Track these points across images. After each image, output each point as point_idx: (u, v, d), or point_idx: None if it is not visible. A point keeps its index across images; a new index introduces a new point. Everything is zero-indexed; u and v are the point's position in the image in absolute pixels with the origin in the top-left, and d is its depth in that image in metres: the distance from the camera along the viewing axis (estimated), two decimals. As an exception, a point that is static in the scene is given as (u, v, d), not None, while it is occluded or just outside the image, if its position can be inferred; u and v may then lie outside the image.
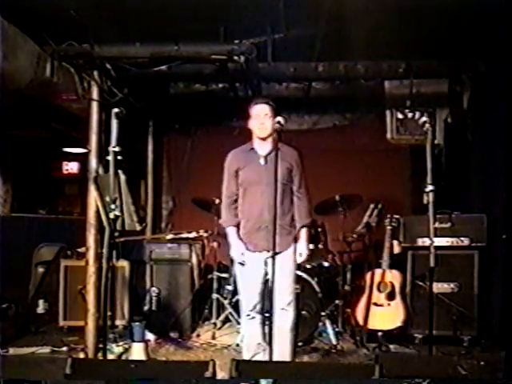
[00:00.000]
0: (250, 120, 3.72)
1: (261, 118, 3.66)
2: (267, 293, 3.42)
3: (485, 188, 5.19)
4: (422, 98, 5.35)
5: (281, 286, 3.58)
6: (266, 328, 3.73)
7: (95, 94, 4.71)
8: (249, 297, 3.70)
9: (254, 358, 3.65)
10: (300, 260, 3.74)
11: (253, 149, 3.73)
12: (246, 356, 3.74)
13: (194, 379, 2.57)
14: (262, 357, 3.66)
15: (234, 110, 6.60)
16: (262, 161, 3.66)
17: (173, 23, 4.31)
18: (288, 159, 3.69)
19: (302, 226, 3.76)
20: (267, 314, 3.40)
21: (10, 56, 3.83)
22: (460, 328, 4.72)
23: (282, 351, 3.61)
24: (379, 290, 4.84)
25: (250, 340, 3.75)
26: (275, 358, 3.48)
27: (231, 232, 3.78)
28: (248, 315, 3.72)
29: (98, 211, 3.85)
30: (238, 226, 3.78)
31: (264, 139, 3.68)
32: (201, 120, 6.73)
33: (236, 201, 3.79)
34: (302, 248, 3.74)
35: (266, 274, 3.56)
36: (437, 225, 4.35)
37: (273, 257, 3.22)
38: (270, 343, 3.24)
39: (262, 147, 3.69)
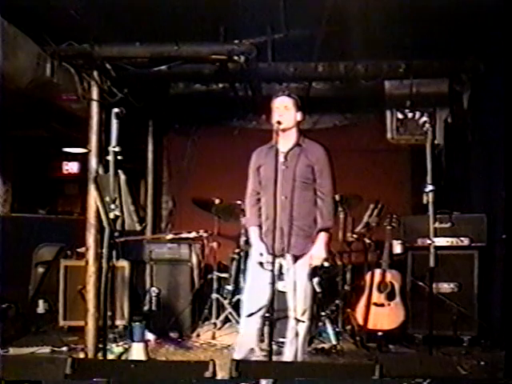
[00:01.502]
0: (272, 114, 3.57)
1: (280, 111, 3.51)
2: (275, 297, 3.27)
3: (485, 188, 5.20)
4: (422, 98, 5.35)
5: (295, 294, 3.46)
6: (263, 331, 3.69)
7: (95, 94, 4.70)
8: (255, 298, 3.52)
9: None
10: (314, 263, 3.51)
11: (273, 146, 3.55)
12: (236, 356, 3.53)
13: (194, 379, 2.57)
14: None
15: (234, 110, 6.62)
16: (281, 158, 3.46)
17: (173, 23, 4.31)
18: (309, 156, 3.52)
19: (321, 230, 3.53)
20: (267, 315, 3.35)
21: (9, 56, 3.83)
22: (460, 328, 4.72)
23: (294, 358, 3.52)
24: (379, 290, 4.84)
25: (245, 342, 3.60)
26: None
27: (253, 232, 3.65)
28: (250, 316, 3.55)
29: (97, 211, 3.85)
30: (261, 225, 3.64)
31: (284, 132, 3.48)
32: (201, 120, 6.74)
33: (259, 200, 3.66)
34: (318, 251, 3.50)
35: (279, 277, 3.40)
36: (437, 225, 4.36)
37: (273, 260, 3.18)
38: (269, 345, 3.22)
39: (284, 143, 3.50)
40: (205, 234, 5.40)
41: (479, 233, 4.87)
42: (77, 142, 6.43)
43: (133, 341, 4.10)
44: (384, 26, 4.33)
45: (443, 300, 4.74)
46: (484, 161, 5.23)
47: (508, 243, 4.31)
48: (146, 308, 5.21)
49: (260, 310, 3.52)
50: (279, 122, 3.42)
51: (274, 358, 3.42)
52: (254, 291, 3.55)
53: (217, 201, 5.37)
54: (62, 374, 2.61)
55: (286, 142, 3.53)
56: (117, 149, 3.40)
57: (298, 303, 3.50)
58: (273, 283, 3.23)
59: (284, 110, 3.52)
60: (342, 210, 5.24)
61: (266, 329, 3.38)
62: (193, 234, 5.37)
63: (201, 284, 5.37)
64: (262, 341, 3.59)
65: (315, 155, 3.54)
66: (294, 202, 3.47)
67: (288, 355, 3.57)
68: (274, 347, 3.46)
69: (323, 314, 4.87)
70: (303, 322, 3.51)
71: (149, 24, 4.35)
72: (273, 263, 3.25)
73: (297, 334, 3.53)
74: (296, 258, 3.50)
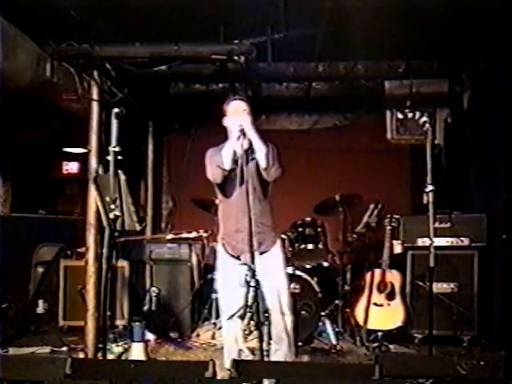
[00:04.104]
0: (226, 117, 3.60)
1: (238, 114, 3.55)
2: (258, 296, 3.23)
3: (485, 188, 5.19)
4: (422, 98, 5.35)
5: (273, 288, 3.49)
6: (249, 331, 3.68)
7: (95, 94, 4.70)
8: (231, 300, 3.48)
9: None
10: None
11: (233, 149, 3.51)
12: (227, 363, 3.51)
13: (194, 379, 2.57)
14: None
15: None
16: (238, 160, 3.45)
17: (173, 23, 4.31)
18: None
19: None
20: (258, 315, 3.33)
21: (9, 56, 3.83)
22: (460, 328, 4.72)
23: (286, 355, 3.53)
24: (379, 290, 4.84)
25: (232, 346, 3.56)
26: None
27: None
28: (230, 319, 3.48)
29: (98, 211, 3.85)
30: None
31: (244, 135, 3.47)
32: (201, 120, 6.73)
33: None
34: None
35: (250, 277, 3.30)
36: (437, 225, 4.35)
37: (252, 259, 3.17)
38: (268, 344, 3.22)
39: (241, 143, 3.47)
40: (205, 234, 5.40)
41: (479, 233, 4.87)
42: (77, 142, 6.44)
43: (133, 341, 4.10)
44: (384, 26, 4.33)
45: (443, 300, 4.74)
46: (484, 161, 5.23)
47: (508, 243, 4.31)
48: (145, 308, 5.21)
49: (239, 311, 3.44)
50: (242, 130, 3.41)
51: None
52: (230, 293, 3.52)
53: (217, 201, 5.36)
54: (62, 373, 2.61)
55: (243, 141, 3.46)
56: (117, 149, 3.40)
57: (279, 297, 3.52)
58: (249, 285, 3.21)
59: (242, 113, 3.55)
60: (342, 210, 5.24)
61: (266, 329, 3.37)
62: (193, 234, 5.37)
63: (201, 284, 5.36)
64: (262, 341, 3.58)
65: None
66: (258, 201, 3.49)
67: (279, 354, 3.53)
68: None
69: (323, 313, 4.87)
70: (286, 314, 3.54)
71: (149, 24, 4.35)
72: (249, 266, 3.20)
73: (283, 331, 3.53)
74: (264, 254, 3.52)
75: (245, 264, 3.24)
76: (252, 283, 3.22)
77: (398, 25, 4.32)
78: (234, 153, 3.47)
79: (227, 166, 3.48)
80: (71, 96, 4.74)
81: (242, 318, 3.40)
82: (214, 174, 3.54)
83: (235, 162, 3.48)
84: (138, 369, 2.68)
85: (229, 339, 3.62)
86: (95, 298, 4.49)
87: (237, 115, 3.55)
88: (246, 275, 3.22)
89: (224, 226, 3.65)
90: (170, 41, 4.45)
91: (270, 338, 3.28)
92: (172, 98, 6.25)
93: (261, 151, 3.45)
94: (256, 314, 3.23)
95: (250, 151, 3.50)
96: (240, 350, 3.52)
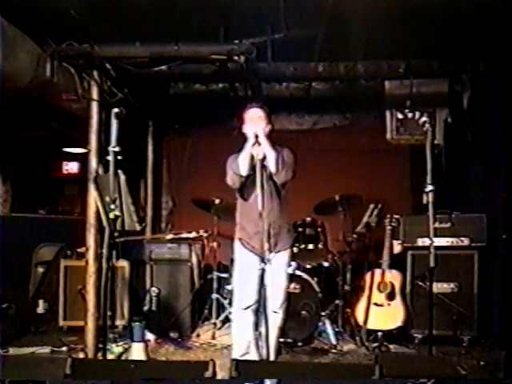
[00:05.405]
0: (245, 124, 3.76)
1: (254, 121, 3.71)
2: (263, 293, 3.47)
3: (485, 188, 5.19)
4: (422, 98, 5.35)
5: (275, 287, 3.64)
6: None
7: (95, 94, 4.70)
8: (245, 294, 3.71)
9: (244, 358, 3.63)
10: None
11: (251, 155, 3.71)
12: (235, 354, 3.72)
13: (195, 379, 2.57)
14: (251, 357, 3.67)
15: (234, 109, 6.61)
16: (257, 165, 3.60)
17: (173, 23, 4.31)
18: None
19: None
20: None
21: (10, 56, 3.83)
22: (460, 328, 4.72)
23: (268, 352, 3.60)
24: (379, 290, 4.84)
25: (242, 338, 3.75)
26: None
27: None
28: (243, 312, 3.72)
29: (98, 211, 3.85)
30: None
31: (258, 143, 3.65)
32: (201, 120, 6.73)
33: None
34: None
35: (263, 272, 3.55)
36: (437, 225, 4.35)
37: (264, 262, 3.34)
38: (266, 342, 3.30)
39: (257, 151, 3.64)
40: (205, 234, 5.40)
41: (479, 233, 4.87)
42: (77, 142, 6.43)
43: (133, 341, 4.10)
44: (384, 26, 4.32)
45: (443, 300, 4.74)
46: (484, 161, 5.23)
47: (508, 243, 4.31)
48: (145, 308, 5.21)
49: (251, 305, 3.70)
50: (257, 136, 3.60)
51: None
52: (247, 286, 3.71)
53: (217, 201, 5.38)
54: (61, 373, 2.61)
55: (259, 149, 3.65)
56: (117, 149, 3.41)
57: (277, 296, 3.70)
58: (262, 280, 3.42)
59: (258, 121, 3.72)
60: (342, 210, 5.25)
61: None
62: (193, 234, 5.37)
63: (201, 284, 5.37)
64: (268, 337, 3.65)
65: (282, 154, 3.72)
66: (276, 203, 3.69)
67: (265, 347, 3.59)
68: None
69: (323, 313, 4.87)
70: (278, 313, 3.72)
71: (149, 24, 4.35)
72: (264, 262, 3.41)
73: (272, 327, 3.62)
74: (279, 253, 3.72)
75: (263, 262, 3.41)
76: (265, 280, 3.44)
77: (397, 25, 4.32)
78: (251, 159, 3.64)
79: (243, 172, 3.66)
80: (71, 96, 4.73)
81: (256, 311, 3.66)
82: (232, 180, 3.74)
83: (253, 167, 3.65)
84: (138, 369, 2.68)
85: (239, 330, 3.77)
86: (95, 297, 4.49)
87: (253, 122, 3.72)
88: (263, 271, 3.42)
89: (243, 227, 3.80)
90: (169, 41, 4.44)
91: (267, 337, 3.39)
92: (172, 98, 6.25)
93: (270, 157, 3.62)
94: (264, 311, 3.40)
95: (265, 157, 3.65)
96: (249, 341, 3.70)
